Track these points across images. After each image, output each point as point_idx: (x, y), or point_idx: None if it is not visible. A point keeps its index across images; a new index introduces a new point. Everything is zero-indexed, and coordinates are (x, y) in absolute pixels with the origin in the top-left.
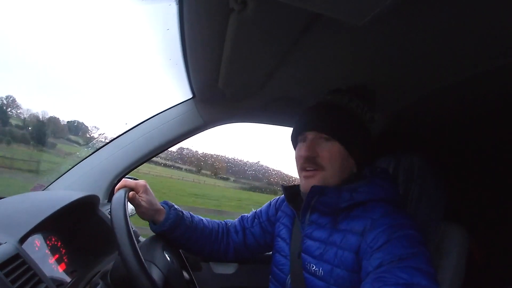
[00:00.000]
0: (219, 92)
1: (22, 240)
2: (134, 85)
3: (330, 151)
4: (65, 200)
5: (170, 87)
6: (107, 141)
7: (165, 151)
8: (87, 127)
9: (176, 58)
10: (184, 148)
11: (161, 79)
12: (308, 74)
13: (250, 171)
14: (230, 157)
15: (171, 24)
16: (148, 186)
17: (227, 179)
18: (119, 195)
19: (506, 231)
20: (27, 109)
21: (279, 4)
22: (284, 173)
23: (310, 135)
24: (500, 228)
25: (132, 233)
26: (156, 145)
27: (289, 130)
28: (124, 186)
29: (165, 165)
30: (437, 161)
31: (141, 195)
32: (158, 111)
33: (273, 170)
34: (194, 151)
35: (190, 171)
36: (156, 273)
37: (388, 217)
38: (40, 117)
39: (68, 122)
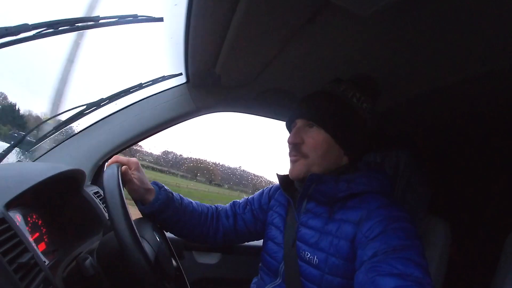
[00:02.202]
0: (214, 78)
1: (8, 206)
2: (126, 61)
3: (314, 137)
4: (52, 171)
5: (165, 68)
6: (95, 121)
7: (150, 155)
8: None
9: (177, 38)
10: (169, 152)
11: (156, 59)
12: (302, 67)
13: (235, 176)
14: (212, 162)
15: (179, 0)
16: (139, 164)
17: (221, 185)
18: (112, 167)
19: (486, 229)
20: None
21: None
22: (267, 179)
23: (299, 122)
24: (480, 226)
25: (127, 205)
26: (146, 128)
27: (275, 127)
28: (116, 162)
29: (160, 171)
30: (422, 157)
31: (133, 172)
32: (150, 94)
33: (255, 175)
34: (179, 154)
35: (184, 177)
36: (147, 248)
37: (384, 209)
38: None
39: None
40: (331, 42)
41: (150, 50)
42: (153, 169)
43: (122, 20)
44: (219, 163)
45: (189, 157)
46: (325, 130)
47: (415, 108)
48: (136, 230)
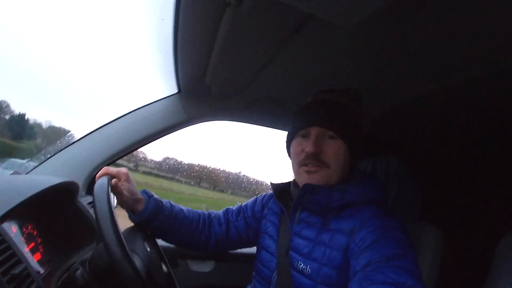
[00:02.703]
0: (205, 88)
1: (2, 218)
2: (118, 75)
3: (335, 149)
4: (45, 184)
5: (156, 80)
6: (89, 131)
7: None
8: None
9: (166, 50)
10: (171, 158)
11: (147, 71)
12: (293, 75)
13: (237, 182)
14: (211, 167)
15: (166, 15)
16: (129, 175)
17: (225, 191)
18: (102, 181)
19: (477, 233)
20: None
21: (273, 2)
22: (267, 184)
23: (314, 130)
24: (471, 230)
25: (116, 220)
26: (138, 138)
27: (270, 134)
28: (106, 174)
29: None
30: (413, 163)
31: (123, 183)
32: (142, 104)
33: (255, 180)
34: (180, 160)
35: (187, 183)
36: (138, 262)
37: (377, 219)
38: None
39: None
40: (318, 52)
41: (141, 62)
42: (156, 176)
43: None
44: (219, 169)
45: (191, 163)
46: (344, 141)
47: (405, 114)
48: (126, 245)
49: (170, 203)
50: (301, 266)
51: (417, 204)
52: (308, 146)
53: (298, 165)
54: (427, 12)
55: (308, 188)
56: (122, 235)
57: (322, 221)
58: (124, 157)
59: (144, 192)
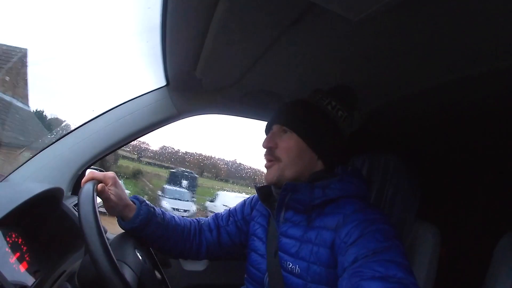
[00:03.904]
0: (195, 81)
1: None
2: (101, 66)
3: (287, 142)
4: (28, 194)
5: (143, 72)
6: (72, 128)
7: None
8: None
9: (153, 41)
10: (166, 147)
11: (133, 63)
12: (286, 69)
13: (237, 170)
14: (207, 155)
15: (153, 2)
16: (117, 179)
17: (227, 180)
18: (87, 188)
19: (475, 232)
20: None
21: None
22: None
23: (274, 128)
24: (469, 229)
25: (103, 231)
26: (125, 135)
27: (262, 125)
28: (91, 179)
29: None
30: (411, 161)
31: (110, 188)
32: (128, 98)
33: (250, 168)
34: (176, 149)
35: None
36: (128, 274)
37: (360, 213)
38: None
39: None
40: (316, 45)
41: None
42: (160, 166)
43: None
44: (216, 157)
45: (188, 152)
46: (297, 134)
47: (402, 111)
48: (115, 255)
49: (161, 210)
50: (290, 266)
51: (415, 202)
52: (264, 142)
53: (265, 162)
54: (428, 9)
55: (288, 187)
56: (109, 246)
57: (307, 219)
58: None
59: (135, 197)
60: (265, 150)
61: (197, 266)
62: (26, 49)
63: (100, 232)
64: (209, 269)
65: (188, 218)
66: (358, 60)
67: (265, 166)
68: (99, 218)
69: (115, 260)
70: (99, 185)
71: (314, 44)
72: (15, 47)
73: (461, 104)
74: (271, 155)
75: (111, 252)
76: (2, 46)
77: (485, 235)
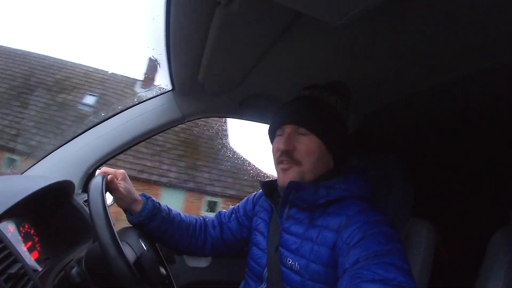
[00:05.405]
0: (198, 85)
1: None
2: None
3: (307, 145)
4: (41, 184)
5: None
6: (84, 129)
7: None
8: None
9: (159, 48)
10: None
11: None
12: (286, 71)
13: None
14: None
15: (157, 13)
16: (127, 176)
17: None
18: (97, 179)
19: (470, 229)
20: None
21: (263, 1)
22: (262, 171)
23: (287, 128)
24: (464, 226)
25: (110, 216)
26: (133, 136)
27: (264, 127)
28: (103, 173)
29: None
30: (406, 159)
31: (119, 182)
32: (137, 102)
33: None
34: None
35: None
36: (128, 251)
37: (363, 214)
38: None
39: None
40: (309, 50)
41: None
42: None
43: None
44: None
45: None
46: (317, 136)
47: (398, 111)
48: (116, 233)
49: (167, 206)
50: (290, 262)
51: (410, 200)
52: (281, 144)
53: (276, 164)
54: (420, 9)
55: (293, 186)
56: (114, 226)
57: (309, 217)
58: None
59: (143, 195)
60: (279, 152)
61: (201, 262)
62: None
63: (107, 217)
64: (212, 266)
65: (194, 216)
66: (352, 62)
67: (282, 168)
68: (106, 205)
69: (117, 236)
70: (109, 176)
71: (308, 48)
72: None
73: (457, 103)
74: (290, 157)
75: (116, 235)
76: None
77: (481, 231)
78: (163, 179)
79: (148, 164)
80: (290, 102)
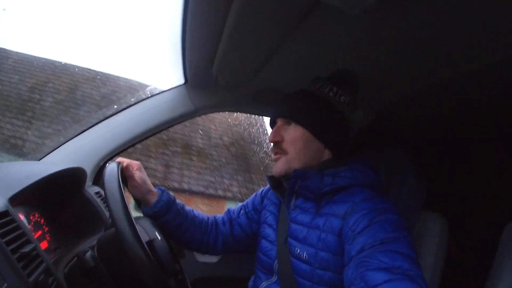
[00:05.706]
0: (211, 79)
1: (12, 200)
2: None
3: (291, 134)
4: (54, 169)
5: (163, 69)
6: (96, 121)
7: None
8: None
9: (174, 39)
10: None
11: (155, 60)
12: (298, 65)
13: None
14: None
15: (175, 3)
16: (141, 166)
17: None
18: (112, 164)
19: (482, 221)
20: None
21: None
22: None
23: (279, 121)
24: (476, 219)
25: (125, 198)
26: (145, 129)
27: None
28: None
29: None
30: (418, 153)
31: (135, 171)
32: (149, 95)
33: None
34: None
35: None
36: (140, 232)
37: (369, 202)
38: None
39: None
40: (325, 41)
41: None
42: None
43: None
44: None
45: None
46: (302, 125)
47: (411, 105)
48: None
49: (181, 202)
50: (298, 251)
51: (422, 194)
52: (269, 136)
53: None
54: (436, 1)
55: (298, 174)
56: (129, 207)
57: (316, 206)
58: None
59: (158, 188)
60: (272, 144)
61: (211, 258)
62: None
63: (120, 189)
64: (222, 262)
65: (205, 214)
66: (365, 55)
67: (274, 160)
68: (122, 189)
69: (131, 212)
70: (124, 164)
71: (322, 41)
72: None
73: (469, 96)
74: (278, 148)
75: (133, 218)
76: None
77: (493, 224)
78: (228, 194)
79: (213, 179)
80: (282, 97)
